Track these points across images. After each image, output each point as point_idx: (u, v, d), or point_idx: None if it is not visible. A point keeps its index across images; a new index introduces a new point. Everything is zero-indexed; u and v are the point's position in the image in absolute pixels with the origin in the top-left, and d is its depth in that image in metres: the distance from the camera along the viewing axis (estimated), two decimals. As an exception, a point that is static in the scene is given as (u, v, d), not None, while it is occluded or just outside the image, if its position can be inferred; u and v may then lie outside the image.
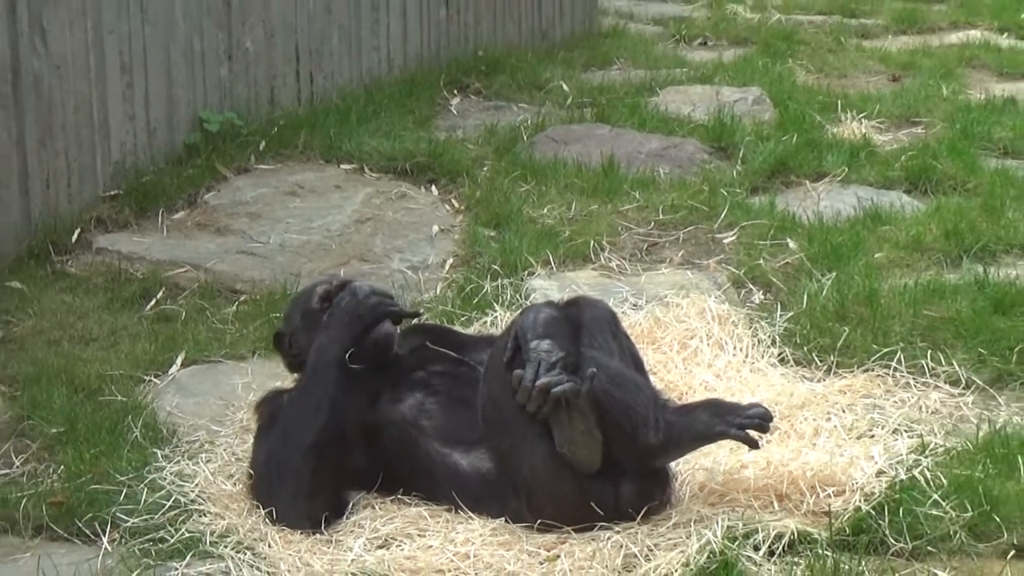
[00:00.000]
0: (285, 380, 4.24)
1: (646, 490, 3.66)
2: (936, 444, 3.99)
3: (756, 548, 3.51)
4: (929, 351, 4.58)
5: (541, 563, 3.50)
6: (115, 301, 5.12)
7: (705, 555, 3.45)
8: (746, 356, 4.62)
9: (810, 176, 6.43)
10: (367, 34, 7.37)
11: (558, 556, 3.51)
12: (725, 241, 5.65)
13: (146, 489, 3.83)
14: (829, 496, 3.70)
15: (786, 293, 5.14)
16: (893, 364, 4.51)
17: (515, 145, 6.70)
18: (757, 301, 5.11)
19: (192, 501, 3.81)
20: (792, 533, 3.56)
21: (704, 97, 7.52)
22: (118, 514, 3.72)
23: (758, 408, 3.67)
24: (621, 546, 3.53)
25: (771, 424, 3.67)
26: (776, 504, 3.70)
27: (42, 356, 4.68)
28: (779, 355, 4.67)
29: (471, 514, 3.70)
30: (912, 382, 4.45)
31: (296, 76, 6.92)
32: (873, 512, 3.61)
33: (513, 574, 3.47)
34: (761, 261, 5.39)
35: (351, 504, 3.79)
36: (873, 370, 4.51)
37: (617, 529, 3.60)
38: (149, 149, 6.02)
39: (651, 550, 3.52)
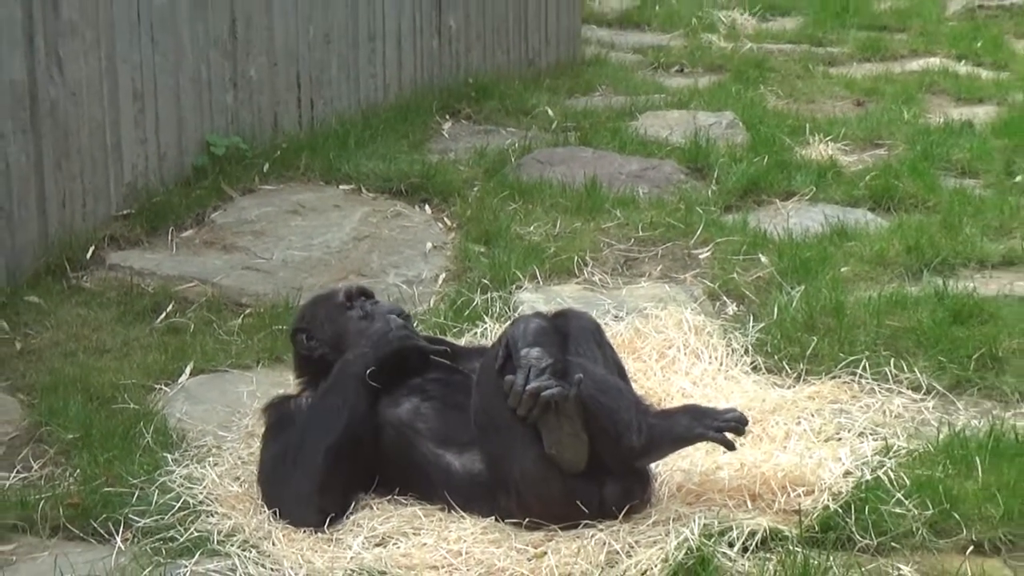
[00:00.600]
0: (288, 387, 4.24)
1: (628, 490, 3.67)
2: (899, 446, 3.99)
3: (731, 545, 3.52)
4: (892, 359, 4.59)
5: (529, 559, 3.50)
6: (127, 314, 5.11)
7: (683, 551, 3.45)
8: (721, 364, 4.62)
9: (780, 195, 6.44)
10: (364, 63, 7.38)
11: (545, 553, 3.51)
12: (700, 256, 5.65)
13: (157, 491, 3.83)
14: (799, 495, 3.70)
15: (758, 305, 5.15)
16: (858, 371, 4.52)
17: (503, 167, 6.70)
18: (731, 313, 5.12)
19: (200, 502, 3.80)
20: (764, 531, 3.56)
21: (681, 121, 7.52)
22: (131, 515, 3.71)
23: (734, 412, 3.67)
24: (604, 543, 3.53)
25: (745, 428, 3.68)
26: (749, 503, 3.70)
27: (59, 366, 4.67)
28: (752, 363, 4.67)
29: (463, 513, 3.70)
30: (876, 388, 4.46)
31: (297, 102, 6.92)
32: (840, 510, 3.62)
33: (503, 570, 3.46)
34: (734, 275, 5.39)
35: (353, 505, 3.79)
36: (840, 377, 4.52)
37: (601, 527, 3.60)
38: (159, 171, 6.01)
39: (632, 547, 3.52)
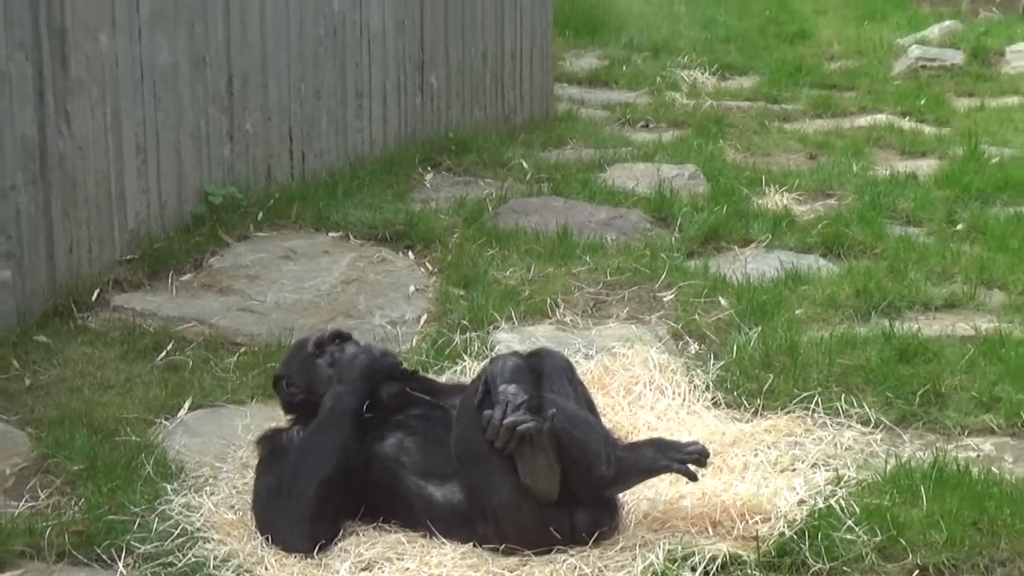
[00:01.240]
0: (280, 421, 4.24)
1: (598, 518, 3.68)
2: (850, 476, 4.01)
3: (693, 569, 3.53)
4: (843, 395, 4.61)
5: (505, 583, 3.51)
6: (130, 352, 5.10)
7: (649, 575, 3.46)
8: (684, 400, 4.64)
9: (739, 242, 6.45)
10: (352, 118, 7.40)
11: (520, 577, 3.52)
12: (665, 299, 5.67)
13: (157, 519, 3.82)
14: (757, 523, 3.72)
15: (718, 345, 5.16)
16: (812, 407, 4.54)
17: (481, 215, 6.71)
18: (693, 352, 5.13)
19: (198, 529, 3.80)
20: (725, 555, 3.57)
21: (646, 173, 7.53)
22: (132, 541, 3.71)
23: (696, 445, 3.69)
24: (575, 568, 3.54)
25: (707, 459, 3.70)
26: (711, 530, 3.71)
27: (65, 401, 4.66)
28: (712, 399, 4.69)
29: (444, 540, 3.71)
30: (828, 422, 4.48)
31: (290, 155, 6.93)
32: (795, 537, 3.64)
33: (481, 593, 3.47)
34: (696, 317, 5.41)
35: (341, 531, 3.79)
36: (794, 412, 4.54)
37: (572, 552, 3.61)
38: (161, 219, 6.01)
39: (602, 571, 3.53)
